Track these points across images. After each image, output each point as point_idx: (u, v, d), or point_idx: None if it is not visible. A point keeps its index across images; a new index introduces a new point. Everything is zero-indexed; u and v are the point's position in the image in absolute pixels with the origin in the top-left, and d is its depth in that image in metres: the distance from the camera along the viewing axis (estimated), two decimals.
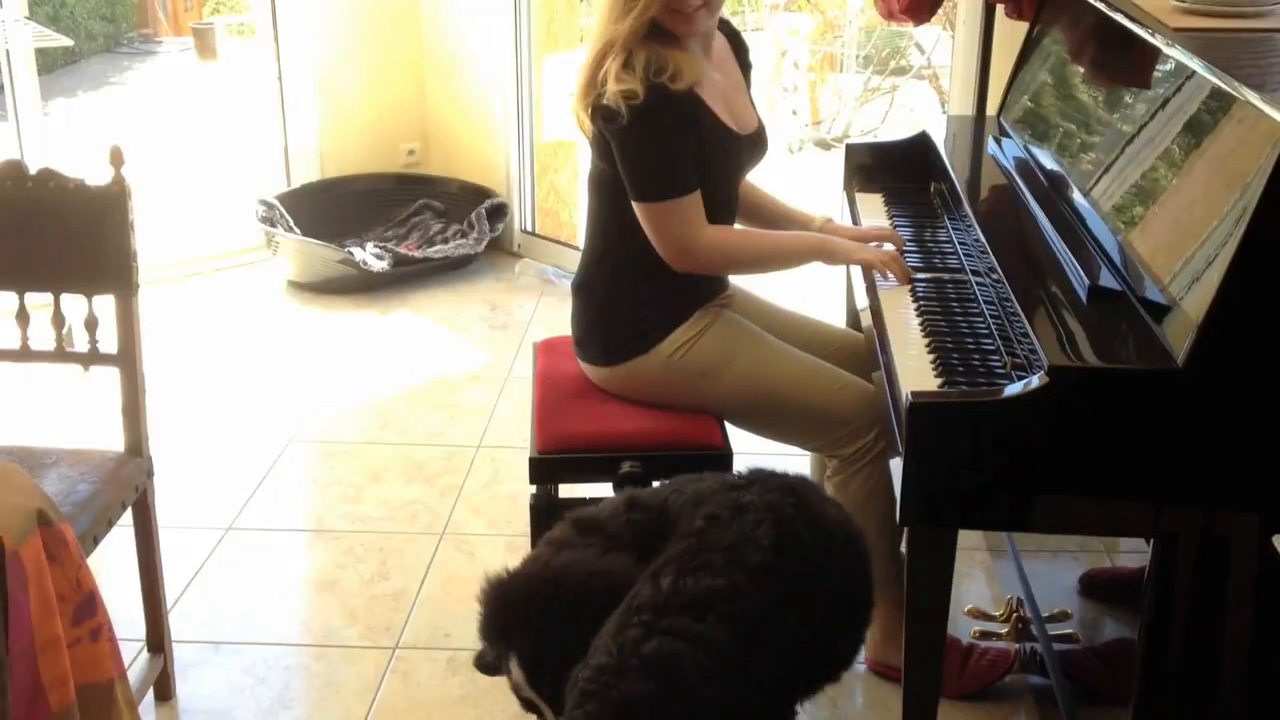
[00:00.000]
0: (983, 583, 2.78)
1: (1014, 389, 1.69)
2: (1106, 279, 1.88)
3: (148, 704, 2.36)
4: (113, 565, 2.78)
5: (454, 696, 2.42)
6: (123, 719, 1.82)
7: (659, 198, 2.23)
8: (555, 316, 4.19)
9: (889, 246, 2.39)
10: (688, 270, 2.31)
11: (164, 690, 2.39)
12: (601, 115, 2.21)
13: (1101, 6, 2.35)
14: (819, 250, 2.37)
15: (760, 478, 1.81)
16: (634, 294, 2.35)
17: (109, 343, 2.27)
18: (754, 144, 2.40)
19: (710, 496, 1.78)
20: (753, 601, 1.58)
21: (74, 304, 2.30)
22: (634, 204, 2.26)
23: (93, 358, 2.31)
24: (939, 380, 1.92)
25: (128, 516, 2.29)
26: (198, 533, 2.97)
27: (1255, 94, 1.70)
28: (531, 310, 4.34)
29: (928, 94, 7.00)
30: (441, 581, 2.79)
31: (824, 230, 2.47)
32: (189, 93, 9.47)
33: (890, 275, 2.29)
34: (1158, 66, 2.09)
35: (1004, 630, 2.45)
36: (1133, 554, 2.16)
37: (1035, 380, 1.67)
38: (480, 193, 4.81)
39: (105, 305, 2.26)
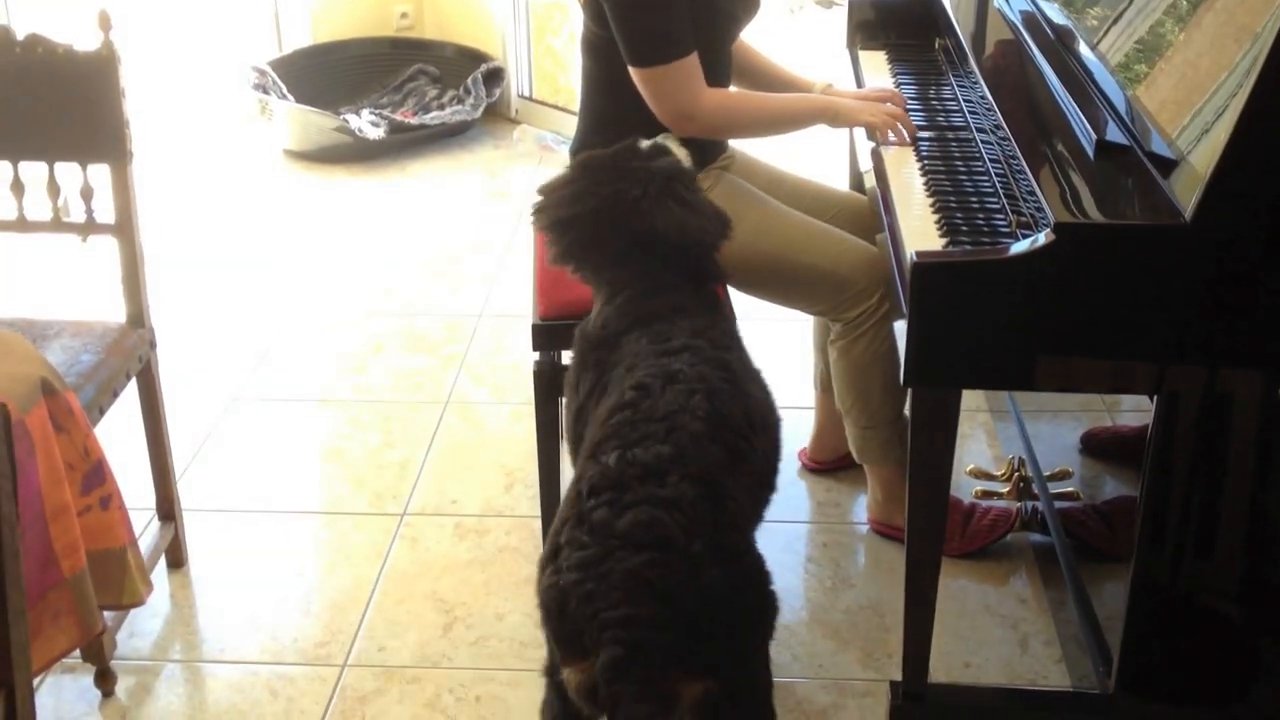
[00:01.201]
0: (984, 443, 2.80)
1: (1019, 247, 1.67)
2: (1114, 134, 1.85)
3: (160, 572, 2.40)
4: (121, 437, 2.81)
5: (462, 560, 2.46)
6: (135, 585, 1.85)
7: (657, 61, 2.18)
8: None
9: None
10: (689, 134, 2.27)
11: (176, 558, 2.43)
12: None
13: None
14: (823, 112, 2.33)
15: (689, 345, 1.79)
16: None
17: (106, 213, 2.25)
18: (745, 3, 2.35)
19: (641, 360, 1.77)
20: (704, 460, 1.60)
21: (69, 173, 2.27)
22: (631, 70, 2.21)
23: (90, 227, 2.29)
24: (943, 240, 1.90)
25: (133, 387, 2.30)
26: (204, 404, 2.99)
27: None
28: (530, 176, 4.29)
29: None
30: (446, 449, 2.81)
31: (826, 95, 2.43)
32: None
33: (894, 135, 2.25)
34: None
35: (1005, 490, 2.47)
36: (1134, 413, 2.17)
37: (1041, 238, 1.65)
38: (476, 57, 4.72)
39: (101, 176, 2.23)
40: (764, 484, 1.80)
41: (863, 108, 2.30)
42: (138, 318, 2.29)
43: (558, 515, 1.59)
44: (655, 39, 2.18)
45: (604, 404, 1.75)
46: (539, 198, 2.04)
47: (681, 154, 2.12)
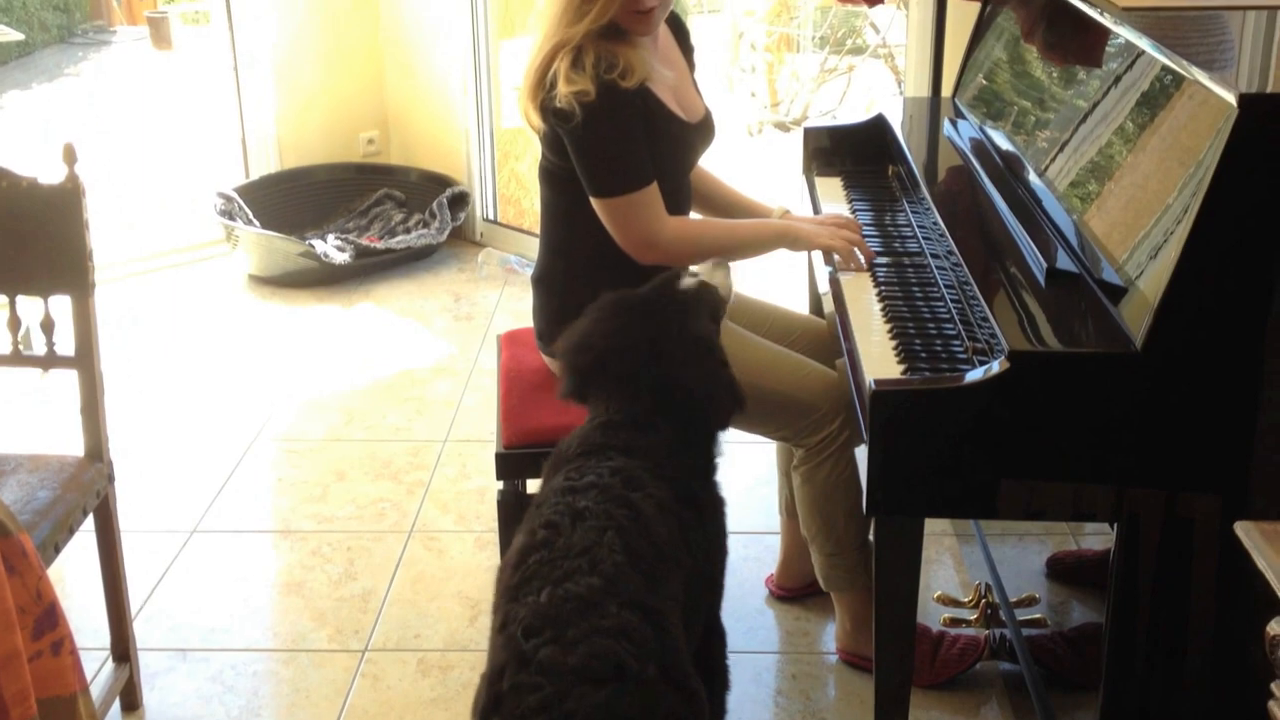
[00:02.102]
0: (951, 569, 2.79)
1: (975, 375, 1.69)
2: (1064, 261, 1.89)
3: (114, 715, 2.33)
4: (76, 573, 2.76)
5: (425, 699, 2.41)
6: None
7: (618, 192, 2.22)
8: (520, 306, 4.18)
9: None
10: (652, 263, 2.30)
11: (130, 700, 2.37)
12: (554, 115, 2.19)
13: None
14: (782, 236, 2.37)
15: (597, 484, 1.77)
16: (593, 286, 2.32)
17: (66, 344, 2.24)
18: (703, 131, 2.40)
19: (546, 500, 1.78)
20: (635, 588, 1.60)
21: (30, 306, 2.26)
22: (593, 200, 2.24)
23: (50, 360, 2.28)
24: (901, 367, 1.91)
25: (89, 523, 2.26)
26: (162, 537, 2.94)
27: (1204, 72, 1.70)
28: (495, 300, 4.32)
29: (884, 74, 7.00)
30: (410, 580, 2.78)
31: (784, 221, 2.47)
32: (144, 83, 9.36)
33: (853, 260, 2.28)
34: (1108, 45, 2.10)
35: (973, 616, 2.45)
36: (1098, 535, 2.17)
37: (996, 366, 1.67)
38: (441, 181, 4.78)
39: (62, 306, 2.22)
40: (694, 607, 1.80)
41: (820, 231, 2.34)
42: (96, 451, 2.27)
43: (489, 663, 1.56)
44: (616, 170, 2.22)
45: (513, 544, 1.73)
46: (569, 338, 2.04)
47: (726, 283, 2.15)
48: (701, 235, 2.36)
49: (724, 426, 2.01)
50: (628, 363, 1.94)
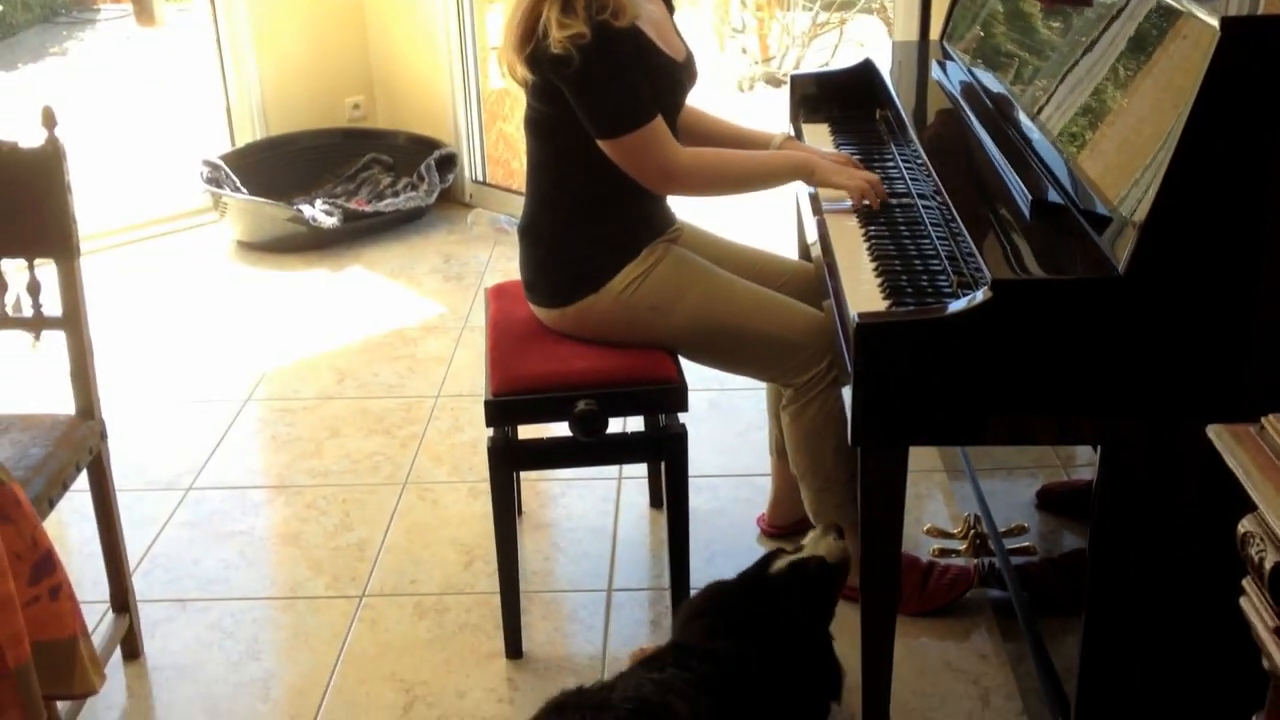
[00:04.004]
0: (940, 503, 2.82)
1: (958, 305, 1.70)
2: (1050, 195, 1.90)
3: (115, 663, 2.36)
4: (74, 530, 2.78)
5: (422, 640, 2.43)
6: (87, 674, 1.82)
7: (628, 129, 2.21)
8: (509, 266, 4.18)
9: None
10: (670, 194, 2.32)
11: (131, 649, 2.39)
12: (549, 64, 2.19)
13: None
14: (801, 168, 2.36)
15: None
16: (580, 234, 2.35)
17: (54, 308, 2.25)
18: (689, 70, 2.40)
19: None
20: None
21: (16, 271, 2.27)
22: (603, 143, 2.23)
23: (38, 322, 2.28)
24: (887, 302, 1.93)
25: (86, 483, 2.28)
26: (159, 494, 2.96)
27: (1192, 3, 1.71)
28: (486, 260, 4.32)
29: (876, 27, 6.99)
30: (405, 530, 2.80)
31: (785, 148, 2.48)
32: (129, 60, 9.30)
33: (872, 201, 2.27)
34: None
35: (963, 547, 2.49)
36: (1089, 467, 2.19)
37: (979, 295, 1.68)
38: (429, 144, 4.77)
39: (49, 272, 2.23)
40: None
41: (840, 169, 2.34)
42: (87, 410, 2.28)
43: None
44: (623, 108, 2.22)
45: None
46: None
47: (835, 548, 2.12)
48: (719, 164, 2.36)
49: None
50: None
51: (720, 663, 1.87)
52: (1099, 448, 1.76)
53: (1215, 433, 1.18)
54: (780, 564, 2.07)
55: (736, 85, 7.05)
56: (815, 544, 2.12)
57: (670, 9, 2.47)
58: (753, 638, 1.94)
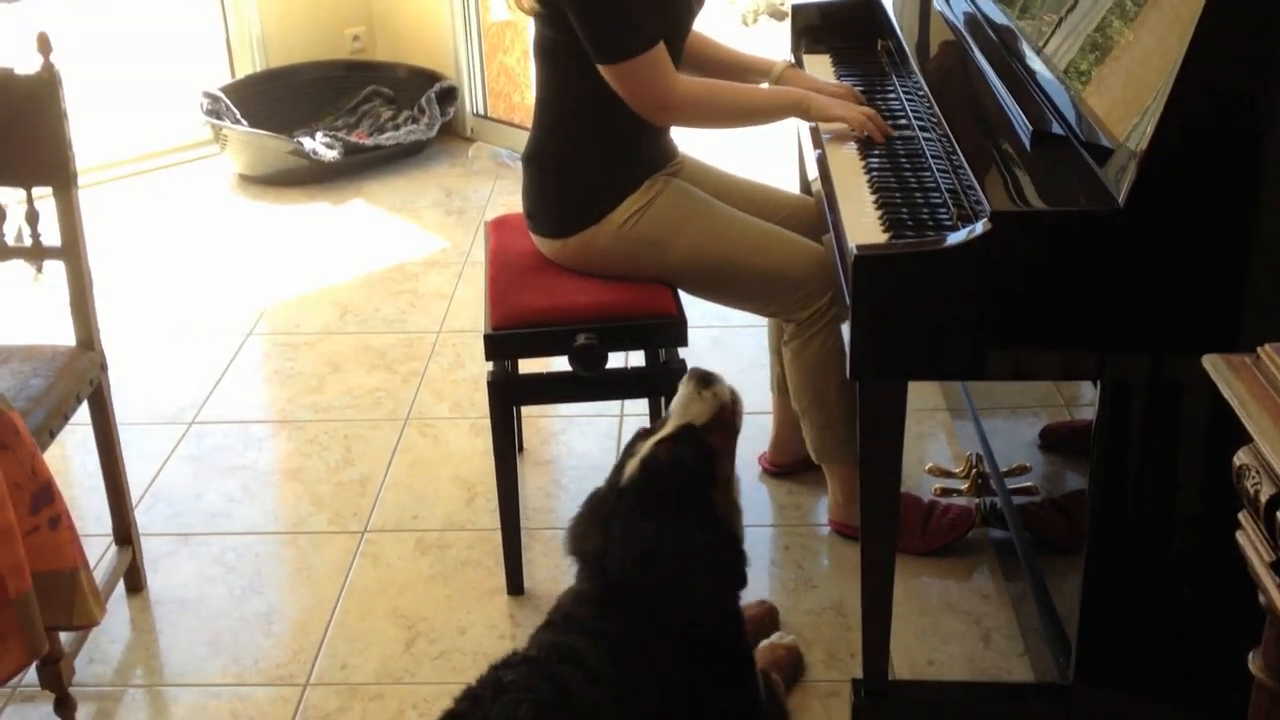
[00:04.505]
0: (943, 442, 2.82)
1: (957, 237, 1.69)
2: (1052, 128, 1.87)
3: (119, 596, 2.38)
4: (77, 463, 2.79)
5: (424, 575, 2.45)
6: (88, 605, 1.83)
7: (627, 55, 2.19)
8: (511, 200, 4.15)
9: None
10: (666, 124, 2.30)
11: (134, 582, 2.41)
12: None
13: None
14: (797, 105, 2.33)
15: (530, 658, 1.72)
16: (583, 162, 2.33)
17: (53, 237, 2.24)
18: None
19: (486, 671, 1.73)
20: None
21: (13, 199, 2.26)
22: (603, 68, 2.21)
23: (36, 252, 2.28)
24: (887, 235, 1.91)
25: (88, 416, 2.28)
26: (161, 428, 2.97)
27: None
28: (487, 194, 4.30)
29: None
30: (407, 465, 2.81)
31: (785, 77, 2.46)
32: None
33: (873, 134, 2.25)
34: None
35: (964, 486, 2.49)
36: (1093, 406, 2.19)
37: (979, 227, 1.66)
38: (429, 77, 4.72)
39: (49, 203, 2.21)
40: None
41: (836, 103, 2.31)
42: (87, 341, 2.28)
43: None
44: (623, 33, 2.19)
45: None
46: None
47: (707, 403, 1.85)
48: (716, 96, 2.34)
49: (693, 620, 1.80)
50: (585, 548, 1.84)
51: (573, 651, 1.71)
52: (1099, 383, 1.75)
53: (1211, 362, 1.17)
54: (631, 466, 1.82)
55: (740, 19, 6.95)
56: (680, 410, 1.85)
57: None
58: (622, 572, 1.76)
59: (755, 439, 2.79)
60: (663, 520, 1.77)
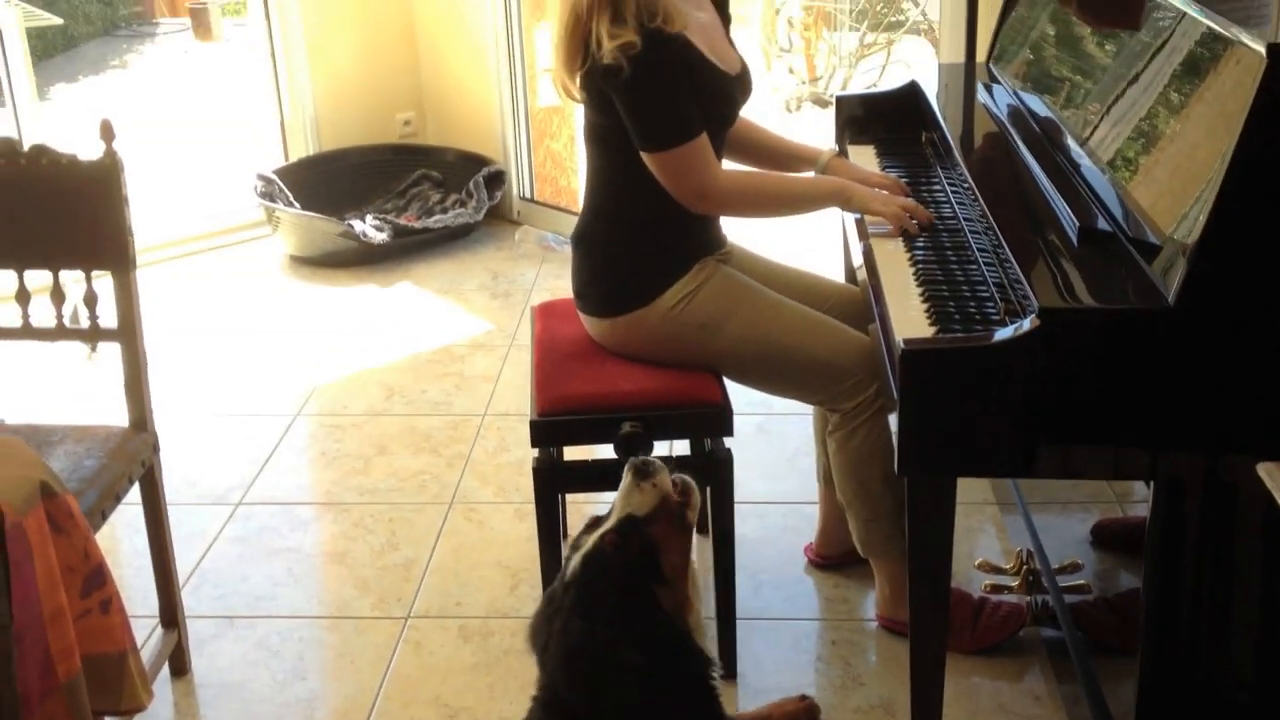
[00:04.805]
0: (993, 536, 2.78)
1: (1005, 333, 1.69)
2: (1098, 222, 1.88)
3: (163, 679, 2.38)
4: (125, 543, 2.82)
5: (467, 664, 2.44)
6: (136, 690, 1.84)
7: (670, 145, 2.22)
8: (557, 283, 4.20)
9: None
10: (704, 213, 2.32)
11: (179, 665, 2.42)
12: (602, 75, 2.20)
13: None
14: (836, 195, 2.36)
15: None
16: (634, 245, 2.35)
17: (110, 319, 2.28)
18: (742, 83, 2.39)
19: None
20: None
21: (73, 283, 2.31)
22: (646, 156, 2.24)
23: (94, 334, 2.32)
24: (934, 328, 1.91)
25: (137, 495, 2.30)
26: (208, 509, 2.99)
27: (1239, 29, 1.69)
28: (533, 277, 4.34)
29: (924, 48, 6.96)
30: (451, 550, 2.81)
31: (831, 166, 2.48)
32: (187, 73, 9.45)
33: (909, 228, 2.25)
34: (1143, 7, 2.08)
35: (1015, 583, 2.44)
36: (1144, 504, 2.16)
37: (1026, 324, 1.66)
38: (478, 161, 4.80)
39: (106, 283, 2.26)
40: None
41: (876, 196, 2.33)
42: (141, 422, 2.31)
43: None
44: (669, 123, 2.22)
45: None
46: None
47: (650, 493, 1.78)
48: (755, 187, 2.37)
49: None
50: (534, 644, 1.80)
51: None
52: (1152, 483, 1.73)
53: (1266, 471, 1.16)
54: (574, 560, 1.75)
55: (783, 105, 7.04)
56: (621, 501, 1.77)
57: (725, 20, 2.46)
58: (573, 668, 1.70)
59: (802, 529, 2.78)
60: (596, 618, 1.69)
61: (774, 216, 2.51)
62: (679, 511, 1.81)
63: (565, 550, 1.87)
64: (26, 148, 2.23)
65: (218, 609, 2.63)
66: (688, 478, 1.85)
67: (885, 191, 2.36)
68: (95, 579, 1.77)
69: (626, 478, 1.80)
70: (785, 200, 2.40)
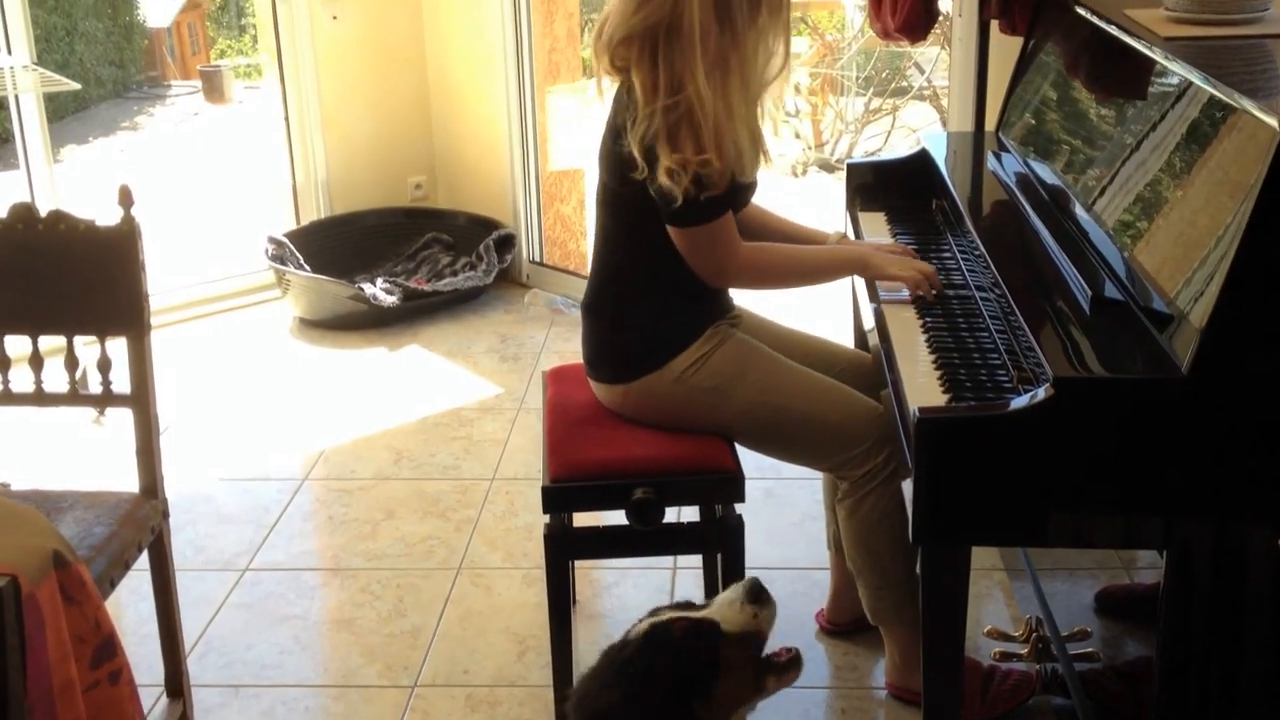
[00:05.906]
0: (1001, 603, 2.76)
1: (1020, 402, 1.69)
2: (1110, 290, 1.88)
3: None
4: (131, 609, 2.80)
5: None
6: None
7: (699, 221, 2.23)
8: (566, 346, 4.21)
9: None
10: (724, 286, 2.34)
11: None
12: (643, 180, 2.20)
13: (1093, 19, 2.36)
14: (855, 263, 2.39)
15: None
16: (645, 312, 2.36)
17: (122, 384, 2.28)
18: (753, 186, 2.42)
19: None
20: None
21: (87, 346, 2.31)
22: (671, 229, 2.25)
23: (106, 400, 2.32)
24: (947, 396, 1.92)
25: (144, 560, 2.30)
26: (214, 574, 2.98)
27: (1248, 99, 1.71)
28: (542, 340, 4.35)
29: (929, 114, 7.03)
30: (459, 617, 2.79)
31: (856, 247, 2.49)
32: (198, 135, 9.55)
33: (925, 291, 2.28)
34: (1151, 77, 2.10)
35: (1024, 650, 2.42)
36: (1150, 570, 2.15)
37: (1040, 393, 1.66)
38: (488, 224, 4.83)
39: (118, 347, 2.27)
40: None
41: (893, 260, 2.35)
42: (151, 488, 2.31)
43: None
44: (696, 206, 2.22)
45: None
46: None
47: (741, 617, 1.79)
48: (774, 260, 2.39)
49: None
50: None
51: None
52: (1165, 553, 1.73)
53: None
54: (644, 624, 1.76)
55: (790, 170, 7.10)
56: (718, 606, 1.79)
57: None
58: None
59: (812, 595, 2.76)
60: (629, 694, 1.68)
61: (793, 288, 2.53)
62: (759, 659, 1.79)
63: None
64: (44, 213, 2.24)
65: (223, 678, 2.61)
66: (798, 652, 1.83)
67: (900, 257, 2.37)
68: (106, 650, 1.76)
69: (737, 589, 1.79)
70: (805, 272, 2.43)
